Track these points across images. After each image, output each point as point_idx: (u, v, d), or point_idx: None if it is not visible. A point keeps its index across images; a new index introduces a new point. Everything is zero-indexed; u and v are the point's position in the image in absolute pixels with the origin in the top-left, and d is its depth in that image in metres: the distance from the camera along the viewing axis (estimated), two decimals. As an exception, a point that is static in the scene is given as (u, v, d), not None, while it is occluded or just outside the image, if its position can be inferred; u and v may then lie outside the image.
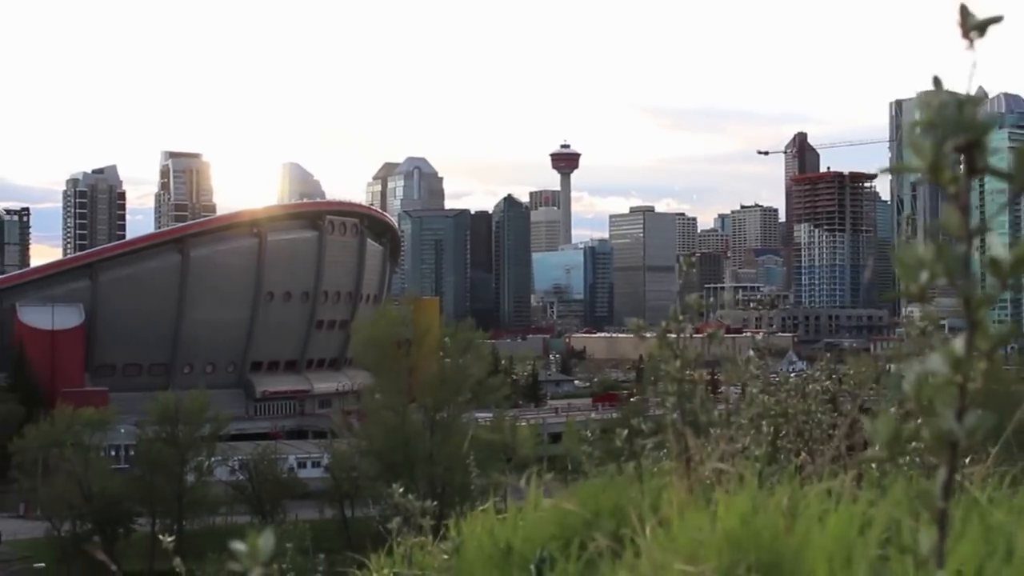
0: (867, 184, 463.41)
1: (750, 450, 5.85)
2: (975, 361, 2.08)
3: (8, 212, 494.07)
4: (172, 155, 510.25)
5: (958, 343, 2.07)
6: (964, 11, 2.10)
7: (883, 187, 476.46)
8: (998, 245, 2.07)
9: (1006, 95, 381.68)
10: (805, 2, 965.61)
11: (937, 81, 2.12)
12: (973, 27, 2.10)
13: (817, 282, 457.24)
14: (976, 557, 2.91)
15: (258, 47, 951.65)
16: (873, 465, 4.67)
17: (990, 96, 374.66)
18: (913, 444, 4.28)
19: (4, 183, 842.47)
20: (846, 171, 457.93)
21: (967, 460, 4.57)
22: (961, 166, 2.10)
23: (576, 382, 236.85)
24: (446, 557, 4.77)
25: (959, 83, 2.23)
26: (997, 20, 2.11)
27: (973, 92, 2.14)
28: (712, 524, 3.52)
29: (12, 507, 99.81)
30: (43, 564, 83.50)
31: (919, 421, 2.24)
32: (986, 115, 2.05)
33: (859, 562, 3.03)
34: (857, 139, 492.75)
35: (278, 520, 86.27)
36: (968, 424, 2.07)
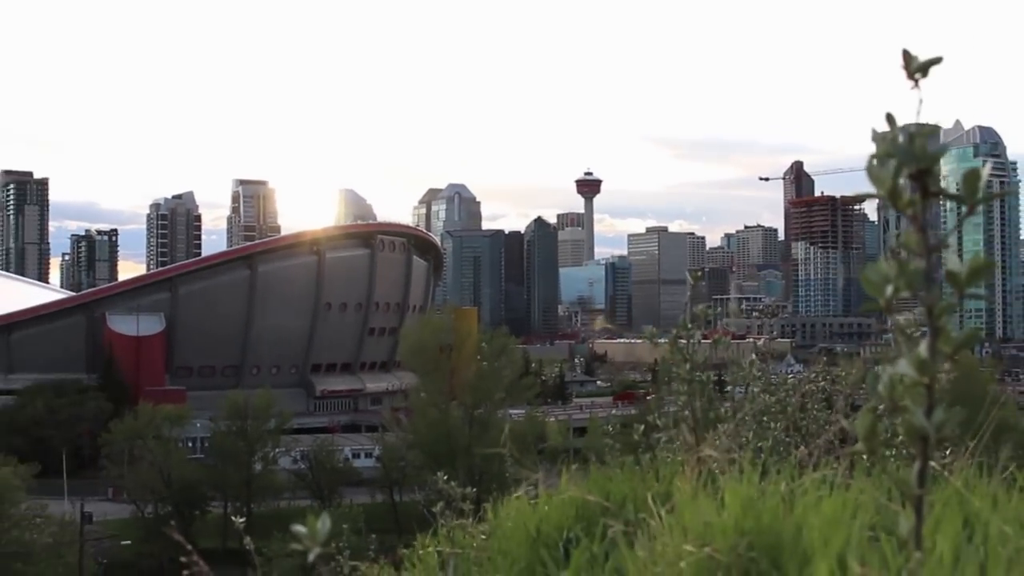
0: (856, 207, 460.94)
1: (753, 443, 5.83)
2: (939, 363, 2.08)
3: (99, 233, 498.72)
4: (242, 182, 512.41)
5: (923, 348, 2.08)
6: (907, 55, 2.13)
7: (871, 209, 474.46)
8: (954, 259, 2.09)
9: (980, 127, 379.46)
10: (801, 47, 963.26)
11: (890, 117, 2.14)
12: (916, 69, 2.13)
13: (813, 294, 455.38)
14: (956, 539, 2.90)
15: (317, 86, 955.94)
16: (864, 456, 4.65)
17: (965, 128, 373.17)
18: (899, 438, 4.26)
19: (96, 208, 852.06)
20: (838, 195, 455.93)
21: (948, 452, 4.55)
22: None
23: (598, 382, 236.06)
24: (484, 537, 4.77)
25: (938, 116, 2.26)
26: (937, 61, 2.13)
27: (926, 125, 2.16)
28: (719, 509, 3.52)
29: (102, 492, 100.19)
30: (129, 542, 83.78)
31: (899, 419, 2.23)
32: (934, 146, 2.07)
33: (851, 541, 3.02)
34: (847, 167, 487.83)
35: (335, 504, 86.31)
36: (936, 420, 2.08)
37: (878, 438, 2.23)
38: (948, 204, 2.30)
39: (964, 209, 2.12)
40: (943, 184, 2.19)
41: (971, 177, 2.08)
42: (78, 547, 72.87)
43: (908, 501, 2.26)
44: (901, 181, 2.08)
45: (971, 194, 2.07)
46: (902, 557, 2.64)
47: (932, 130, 2.13)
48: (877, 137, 2.12)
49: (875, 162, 2.10)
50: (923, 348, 2.07)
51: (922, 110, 2.20)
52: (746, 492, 3.58)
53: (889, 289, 2.07)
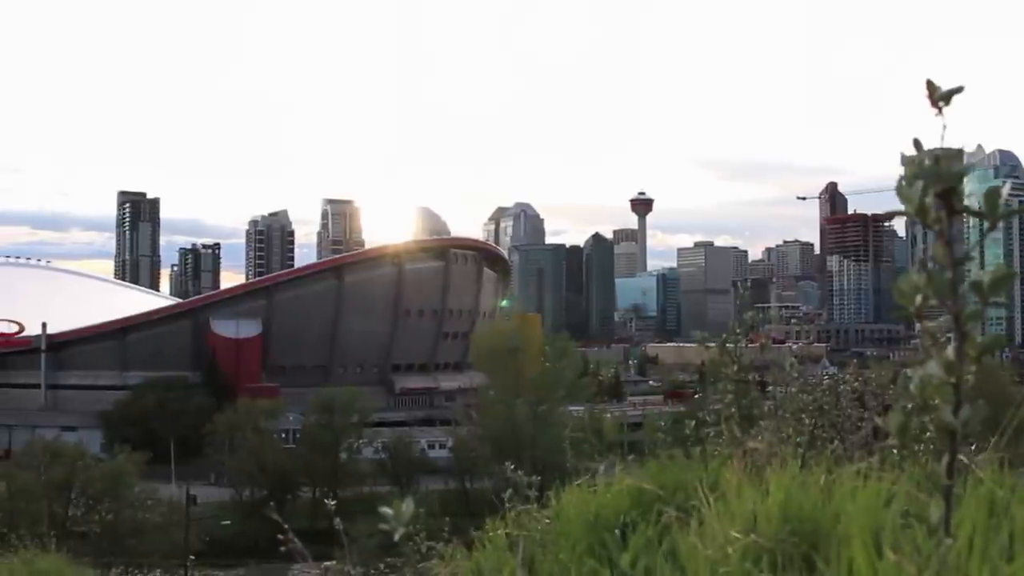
0: (886, 224, 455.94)
1: (793, 438, 5.78)
2: (966, 365, 2.07)
3: (204, 247, 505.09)
4: (330, 201, 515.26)
5: (950, 351, 2.07)
6: (931, 85, 2.12)
7: (900, 225, 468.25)
8: (979, 271, 2.08)
9: (1000, 151, 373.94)
10: (834, 78, 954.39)
11: (917, 142, 2.12)
12: (940, 97, 2.11)
13: (846, 302, 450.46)
14: (980, 526, 2.87)
15: (397, 114, 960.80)
16: (894, 450, 4.60)
17: (986, 152, 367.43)
18: (927, 434, 4.21)
19: (201, 224, 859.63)
20: (869, 213, 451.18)
21: (973, 447, 4.49)
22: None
23: (651, 382, 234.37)
24: (547, 521, 4.77)
25: (962, 140, 2.23)
26: (959, 91, 2.11)
27: (950, 149, 2.14)
28: (763, 498, 3.49)
29: (205, 477, 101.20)
30: (228, 522, 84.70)
31: (928, 416, 2.22)
32: (958, 167, 2.06)
33: (884, 528, 2.99)
34: (877, 187, 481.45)
35: (412, 490, 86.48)
36: (963, 417, 2.06)
37: (909, 434, 2.21)
38: (972, 220, 2.29)
39: (986, 225, 2.10)
40: (968, 203, 2.18)
41: (991, 196, 2.07)
42: (184, 526, 73.76)
43: (937, 491, 2.24)
44: (928, 200, 2.07)
45: (992, 211, 2.06)
46: (932, 542, 2.61)
47: (956, 153, 2.12)
48: (906, 160, 2.11)
49: (904, 183, 2.09)
50: (950, 351, 2.06)
51: (946, 134, 2.18)
52: (788, 482, 3.56)
53: (919, 298, 2.06)
